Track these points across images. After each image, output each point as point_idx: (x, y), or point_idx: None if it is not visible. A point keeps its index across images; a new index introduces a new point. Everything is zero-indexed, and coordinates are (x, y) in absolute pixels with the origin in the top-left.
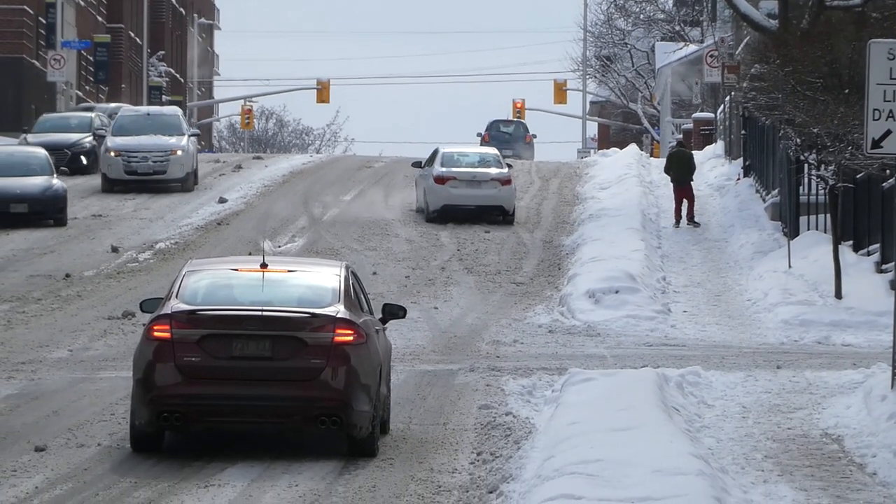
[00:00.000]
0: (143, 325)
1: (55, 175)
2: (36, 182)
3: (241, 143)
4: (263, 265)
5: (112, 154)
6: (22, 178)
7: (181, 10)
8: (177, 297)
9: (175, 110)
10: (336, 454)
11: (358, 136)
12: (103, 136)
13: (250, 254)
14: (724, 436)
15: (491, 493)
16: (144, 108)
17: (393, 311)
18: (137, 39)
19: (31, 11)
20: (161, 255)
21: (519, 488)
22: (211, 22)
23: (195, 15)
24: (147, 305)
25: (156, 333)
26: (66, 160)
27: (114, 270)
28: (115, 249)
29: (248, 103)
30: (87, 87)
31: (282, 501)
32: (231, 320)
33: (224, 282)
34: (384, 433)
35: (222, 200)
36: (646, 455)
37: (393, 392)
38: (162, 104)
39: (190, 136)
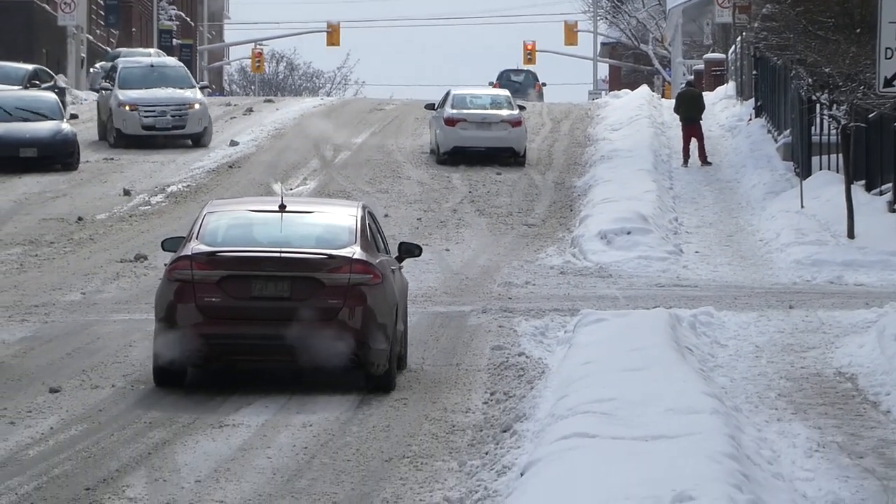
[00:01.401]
0: (165, 264)
1: (65, 119)
2: (46, 126)
3: (252, 87)
4: (282, 206)
5: (126, 108)
6: (31, 123)
7: None
8: (197, 238)
9: (177, 62)
10: (351, 393)
11: (369, 79)
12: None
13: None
14: (737, 375)
15: (504, 431)
16: (146, 59)
17: (409, 250)
18: None
19: None
20: (173, 198)
21: (532, 427)
22: None
23: None
24: (168, 244)
25: (176, 274)
26: None
27: (126, 213)
28: (127, 193)
29: (258, 46)
30: (98, 31)
31: (296, 441)
32: (250, 261)
33: (243, 223)
34: (402, 369)
35: (234, 144)
36: (659, 394)
37: (406, 333)
38: (172, 48)
39: (200, 88)
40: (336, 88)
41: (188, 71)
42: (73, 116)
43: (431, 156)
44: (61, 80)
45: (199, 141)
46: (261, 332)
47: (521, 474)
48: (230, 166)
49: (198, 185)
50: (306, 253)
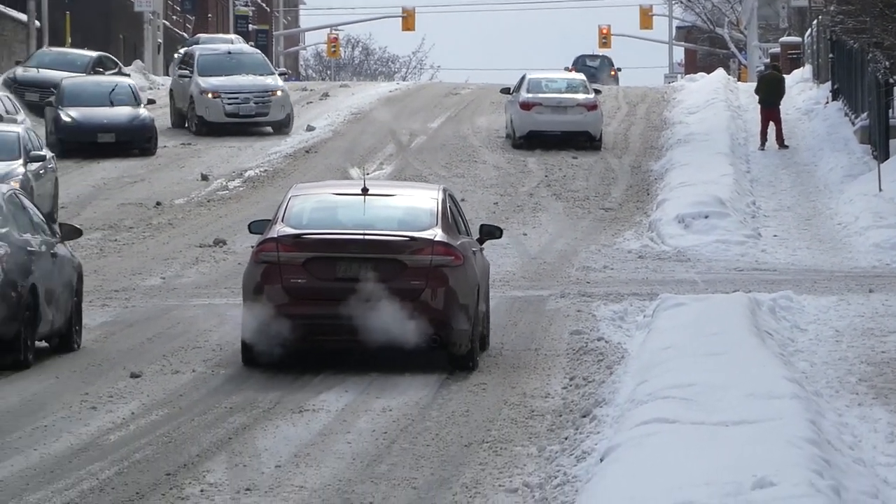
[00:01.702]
0: (251, 247)
1: (142, 105)
2: (123, 112)
3: (328, 72)
4: (364, 189)
5: (209, 95)
6: (109, 108)
7: None
8: (282, 220)
9: (254, 49)
10: (430, 378)
11: (444, 63)
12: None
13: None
14: (817, 359)
15: (584, 417)
16: (223, 46)
17: (490, 232)
18: None
19: None
20: (251, 182)
21: (612, 412)
22: None
23: None
24: (255, 226)
25: (263, 256)
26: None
27: (204, 198)
28: (204, 178)
29: (334, 32)
30: (175, 17)
31: (376, 426)
32: (334, 244)
33: (327, 205)
34: (484, 349)
35: (310, 129)
36: (739, 379)
37: (488, 314)
38: (248, 33)
39: (280, 74)
40: (411, 73)
41: (265, 57)
42: (150, 102)
43: (507, 140)
44: (137, 67)
45: (280, 128)
46: (345, 313)
47: (601, 460)
48: (307, 151)
49: (275, 170)
50: (389, 235)
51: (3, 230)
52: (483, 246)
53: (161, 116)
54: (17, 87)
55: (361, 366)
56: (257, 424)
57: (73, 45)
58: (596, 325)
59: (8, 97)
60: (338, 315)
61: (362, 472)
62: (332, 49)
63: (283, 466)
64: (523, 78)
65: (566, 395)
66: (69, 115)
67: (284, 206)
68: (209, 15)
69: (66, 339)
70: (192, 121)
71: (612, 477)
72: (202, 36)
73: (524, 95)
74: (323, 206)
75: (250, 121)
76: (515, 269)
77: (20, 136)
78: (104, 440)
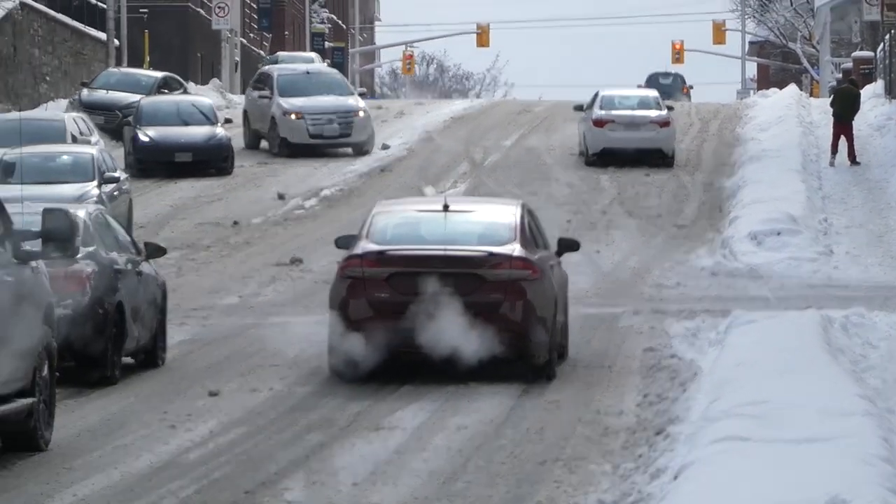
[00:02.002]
0: (337, 262)
1: (219, 125)
2: (200, 132)
3: (403, 89)
4: (445, 206)
5: (293, 116)
6: (186, 128)
7: None
8: (366, 237)
9: (331, 69)
10: (504, 396)
11: (517, 80)
12: None
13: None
14: (889, 376)
15: (658, 434)
16: (301, 66)
17: (568, 245)
18: None
19: None
20: (326, 201)
21: (686, 429)
22: None
23: None
24: (341, 241)
25: (348, 272)
26: (116, 123)
27: (280, 217)
28: (281, 197)
29: (409, 49)
30: (252, 35)
31: (451, 444)
32: (416, 259)
33: (409, 222)
34: (563, 358)
35: (385, 147)
36: (811, 396)
37: (567, 324)
38: (324, 51)
39: (359, 94)
40: (485, 90)
41: (344, 77)
42: (228, 121)
43: (580, 157)
44: (214, 85)
45: (361, 149)
46: (426, 327)
47: (675, 477)
48: (382, 170)
49: (350, 189)
50: (469, 251)
51: (90, 249)
52: (560, 259)
53: (236, 136)
54: (83, 108)
55: (436, 382)
56: (334, 442)
57: (152, 63)
58: (669, 343)
59: (82, 118)
60: (419, 329)
61: (438, 489)
62: (408, 66)
63: (360, 484)
64: (596, 95)
65: (640, 412)
66: (147, 134)
67: (368, 223)
68: (286, 33)
69: (150, 356)
70: (275, 142)
71: (686, 495)
72: (281, 54)
73: (597, 112)
74: (405, 222)
75: (334, 142)
76: (589, 286)
77: (94, 158)
78: (183, 458)
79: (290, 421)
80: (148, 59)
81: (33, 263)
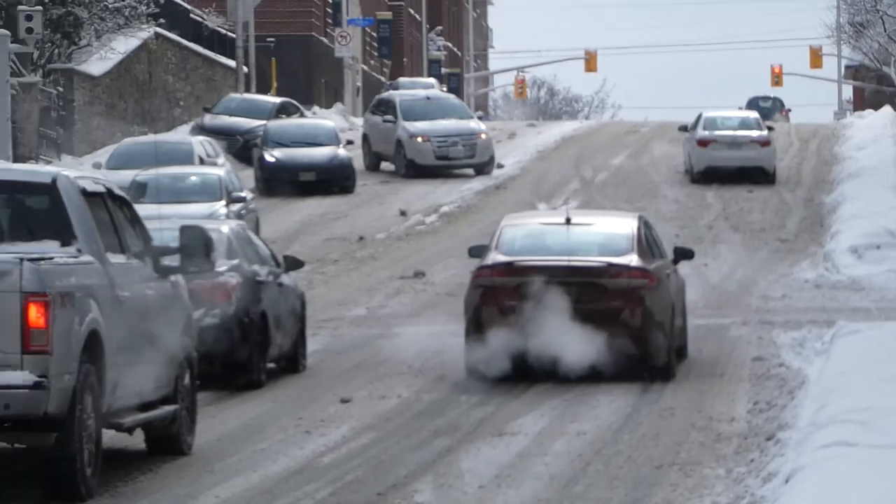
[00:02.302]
0: (470, 271)
1: (341, 145)
2: (323, 152)
3: (515, 112)
4: (568, 219)
5: (419, 139)
6: (310, 149)
7: None
8: (496, 248)
9: (449, 94)
10: (621, 403)
11: (624, 102)
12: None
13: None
14: None
15: (768, 440)
16: (421, 92)
17: (683, 253)
18: (416, 16)
19: None
20: (446, 217)
21: (795, 435)
22: None
23: None
24: (474, 250)
25: (480, 281)
26: (237, 147)
27: (403, 233)
28: (403, 213)
29: (520, 74)
30: (372, 62)
31: (571, 448)
32: (542, 270)
33: (535, 234)
34: (682, 358)
35: (500, 166)
36: None
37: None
38: (441, 76)
39: (478, 118)
40: (593, 112)
41: (462, 102)
42: (349, 142)
43: (685, 175)
44: (338, 109)
45: (483, 169)
46: (552, 333)
47: (786, 481)
48: (497, 187)
49: (468, 206)
50: (590, 261)
51: (234, 262)
52: (676, 266)
53: (356, 157)
54: (206, 133)
55: (556, 390)
56: (460, 447)
57: (279, 89)
58: (777, 352)
59: (209, 142)
60: (545, 334)
61: (559, 492)
62: (519, 90)
63: (485, 487)
64: (699, 116)
65: (750, 418)
66: (273, 155)
67: (498, 235)
68: (404, 59)
69: (292, 361)
70: (400, 163)
71: (798, 498)
72: (401, 79)
73: (700, 133)
74: (531, 234)
75: (458, 163)
76: (697, 298)
77: (221, 179)
78: (318, 462)
79: (417, 426)
80: (275, 84)
81: (172, 277)
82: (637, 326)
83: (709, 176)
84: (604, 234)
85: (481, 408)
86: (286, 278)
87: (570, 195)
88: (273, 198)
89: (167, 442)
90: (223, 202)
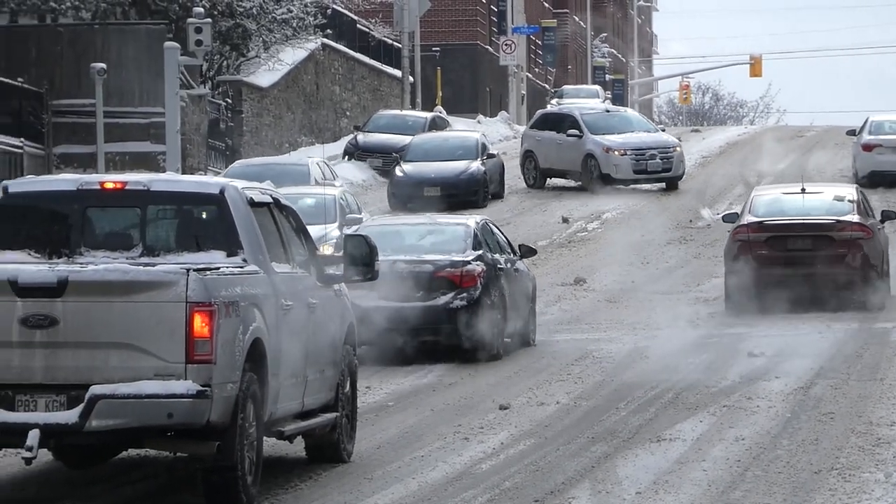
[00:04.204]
0: (727, 231)
1: (479, 159)
2: (453, 167)
3: (680, 118)
4: (803, 189)
5: (617, 153)
6: (440, 164)
7: None
8: (749, 212)
9: (627, 108)
10: (780, 409)
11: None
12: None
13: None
14: None
15: None
16: (599, 105)
17: (887, 215)
18: (581, 23)
19: (483, 1)
20: (608, 224)
21: None
22: (649, 4)
23: None
24: (727, 217)
25: (738, 236)
26: (393, 165)
27: (565, 240)
28: (565, 220)
29: (685, 80)
30: (536, 70)
31: (729, 454)
32: (785, 227)
33: (778, 200)
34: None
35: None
36: None
37: (827, 350)
38: (605, 83)
39: (661, 130)
40: (758, 117)
41: (642, 114)
42: (490, 156)
43: (852, 179)
44: (502, 118)
45: (675, 183)
46: (794, 273)
47: None
48: (660, 193)
49: (630, 212)
50: (821, 219)
51: (479, 252)
52: (883, 225)
53: (511, 169)
54: (360, 153)
55: (714, 398)
56: (617, 453)
57: (444, 98)
58: None
59: (325, 163)
60: (790, 275)
61: (718, 498)
62: (684, 96)
63: (643, 493)
64: (867, 120)
65: None
66: (403, 170)
67: (749, 202)
68: (569, 67)
69: (524, 337)
70: (590, 178)
71: None
72: (566, 87)
73: (866, 137)
74: (776, 200)
75: (656, 177)
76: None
77: (336, 199)
78: (476, 469)
79: (575, 433)
80: (440, 94)
81: (336, 286)
82: (857, 267)
83: (874, 180)
84: (830, 199)
85: (639, 414)
86: (520, 264)
87: (733, 201)
88: (402, 213)
89: (327, 449)
90: (337, 224)
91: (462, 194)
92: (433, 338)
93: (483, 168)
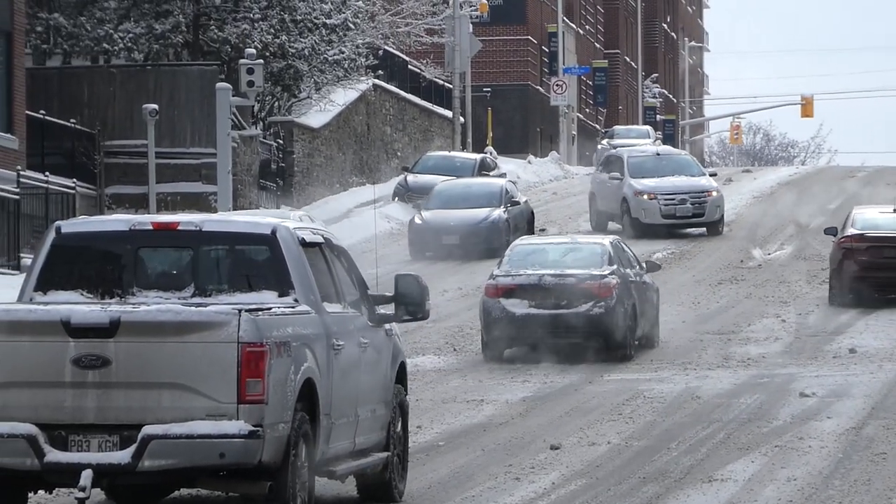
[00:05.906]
0: (832, 241)
1: (502, 207)
2: (473, 215)
3: (731, 157)
4: (894, 210)
5: (645, 197)
6: (461, 211)
7: (672, 34)
8: (851, 226)
9: (681, 151)
10: (832, 449)
11: (840, 147)
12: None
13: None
14: None
15: None
16: (650, 148)
17: None
18: (632, 63)
19: (535, 41)
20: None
21: None
22: (700, 45)
23: (686, 39)
24: (828, 230)
25: (843, 245)
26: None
27: None
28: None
29: (736, 120)
30: (587, 110)
31: (781, 495)
32: (881, 238)
33: (875, 218)
34: None
35: None
36: None
37: (879, 390)
38: (656, 123)
39: (710, 175)
40: (809, 157)
41: (694, 158)
42: (514, 203)
43: None
44: (553, 157)
45: (713, 229)
46: (888, 276)
47: None
48: (712, 233)
49: (681, 252)
50: None
51: (613, 267)
52: None
53: (559, 209)
54: (409, 194)
55: (765, 438)
56: (669, 493)
57: (495, 138)
58: None
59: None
60: (886, 277)
61: None
62: (735, 136)
63: None
64: None
65: None
66: (422, 217)
67: (851, 218)
68: (620, 107)
69: (650, 339)
70: (626, 222)
71: None
72: (617, 127)
73: None
74: (873, 218)
75: (686, 222)
76: None
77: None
78: None
79: (626, 473)
80: (491, 134)
81: (387, 326)
82: None
83: None
84: None
85: (690, 454)
86: (647, 277)
87: (784, 241)
88: (419, 262)
89: (379, 489)
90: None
91: (482, 242)
92: (576, 340)
93: (506, 216)
